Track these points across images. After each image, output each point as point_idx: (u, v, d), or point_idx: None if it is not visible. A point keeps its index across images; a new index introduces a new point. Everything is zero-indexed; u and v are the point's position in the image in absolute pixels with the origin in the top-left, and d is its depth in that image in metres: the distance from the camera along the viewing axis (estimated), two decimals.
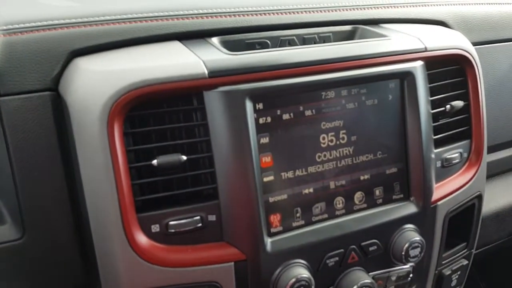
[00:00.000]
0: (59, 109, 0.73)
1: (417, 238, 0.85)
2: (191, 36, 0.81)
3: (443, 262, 0.99)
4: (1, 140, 0.72)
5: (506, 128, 1.17)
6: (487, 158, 1.01)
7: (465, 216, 1.00)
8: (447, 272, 1.00)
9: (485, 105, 0.97)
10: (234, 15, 0.84)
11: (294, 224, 0.79)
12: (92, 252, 0.74)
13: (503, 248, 1.38)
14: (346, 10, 0.93)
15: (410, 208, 0.87)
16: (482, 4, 1.15)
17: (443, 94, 0.92)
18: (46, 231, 0.74)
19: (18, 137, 0.71)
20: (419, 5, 1.04)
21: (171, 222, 0.72)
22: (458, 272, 1.02)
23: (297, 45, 0.87)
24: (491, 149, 1.14)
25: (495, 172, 1.19)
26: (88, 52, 0.75)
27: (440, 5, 1.07)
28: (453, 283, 1.02)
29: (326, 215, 0.82)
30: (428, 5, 1.05)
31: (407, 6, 1.02)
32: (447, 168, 0.93)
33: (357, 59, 0.79)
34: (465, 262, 1.03)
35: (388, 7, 0.99)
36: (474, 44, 0.98)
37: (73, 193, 0.75)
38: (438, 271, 0.98)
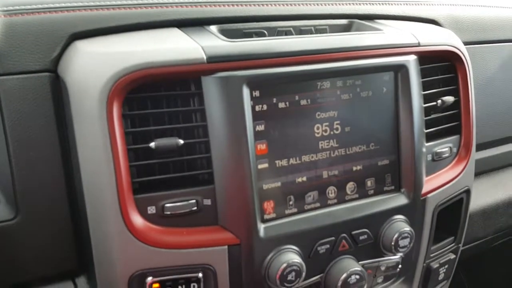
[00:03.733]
0: (57, 90, 0.74)
1: (407, 228, 0.87)
2: (190, 24, 0.82)
3: (431, 255, 1.01)
4: None
5: (494, 127, 1.20)
6: (475, 156, 1.04)
7: (453, 210, 1.02)
8: (435, 265, 1.02)
9: (475, 103, 1.00)
10: (232, 5, 0.85)
11: (287, 212, 0.81)
12: (87, 234, 0.74)
13: (489, 248, 1.41)
14: (343, 4, 0.95)
15: (400, 200, 0.89)
16: (473, 6, 1.18)
17: (435, 89, 0.94)
18: (40, 212, 0.75)
19: (15, 117, 0.71)
20: (413, 4, 1.06)
21: (167, 205, 0.72)
22: (446, 266, 1.04)
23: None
24: (479, 147, 1.16)
25: (482, 170, 1.22)
26: (88, 35, 0.76)
27: (433, 4, 1.09)
28: (441, 277, 1.04)
29: (318, 204, 0.83)
30: (421, 4, 1.07)
31: (401, 4, 1.04)
32: (437, 162, 0.96)
33: (352, 50, 0.81)
34: (453, 256, 1.05)
35: (383, 4, 1.01)
36: (465, 43, 1.00)
37: (69, 175, 0.75)
38: (426, 263, 1.00)
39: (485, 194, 1.22)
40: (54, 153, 0.74)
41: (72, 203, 0.76)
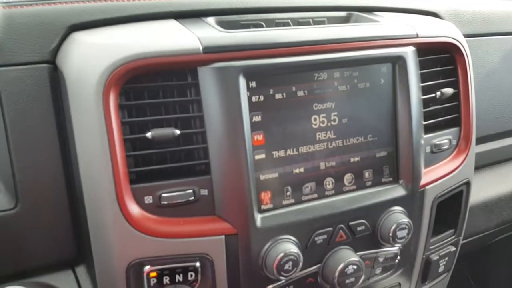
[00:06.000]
0: (55, 81, 0.75)
1: (405, 220, 0.86)
2: (188, 16, 0.83)
3: (431, 248, 1.01)
4: None
5: (494, 120, 1.20)
6: (476, 149, 1.04)
7: (453, 203, 1.02)
8: (434, 257, 1.02)
9: (475, 96, 0.99)
10: None
11: (284, 202, 0.81)
12: (85, 223, 0.75)
13: (492, 243, 1.40)
14: None
15: (398, 191, 0.89)
16: None
17: (434, 81, 0.94)
18: (39, 201, 0.76)
19: (14, 107, 0.72)
20: None
21: (164, 194, 0.73)
22: (446, 258, 1.04)
23: None
24: (480, 141, 1.16)
25: (484, 163, 1.22)
26: (86, 27, 0.76)
27: None
28: (441, 269, 1.04)
29: (315, 195, 0.83)
30: None
31: None
32: (436, 154, 0.95)
33: (350, 41, 0.81)
34: (453, 248, 1.05)
35: None
36: (465, 36, 1.00)
37: (67, 165, 0.76)
38: (426, 255, 1.00)
39: (487, 188, 1.22)
40: (53, 143, 0.75)
41: (70, 193, 0.77)
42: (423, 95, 0.91)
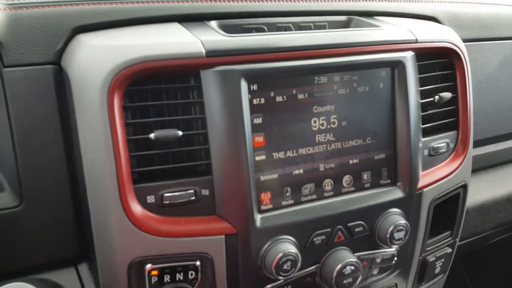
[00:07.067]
0: (60, 82, 0.76)
1: (402, 221, 0.88)
2: (191, 19, 0.84)
3: (428, 249, 1.02)
4: (3, 109, 0.74)
5: (492, 124, 1.21)
6: (474, 152, 1.05)
7: (450, 205, 1.04)
8: (431, 258, 1.03)
9: (472, 100, 1.01)
10: (233, 0, 0.87)
11: (284, 203, 0.82)
12: (88, 222, 0.76)
13: (489, 244, 1.42)
14: (342, 1, 0.97)
15: (396, 193, 0.90)
16: (473, 3, 1.19)
17: (432, 85, 0.96)
18: (43, 200, 0.77)
19: (19, 107, 0.74)
20: (413, 1, 1.07)
21: (166, 194, 0.74)
22: (442, 260, 1.05)
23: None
24: (478, 144, 1.18)
25: (481, 166, 1.23)
26: (91, 29, 0.78)
27: (433, 1, 1.10)
28: (437, 270, 1.06)
29: (314, 196, 0.85)
30: (421, 1, 1.09)
31: (401, 1, 1.06)
32: (434, 157, 0.97)
33: (350, 46, 0.82)
34: (449, 250, 1.07)
35: (382, 0, 1.02)
36: (464, 41, 1.01)
37: (71, 164, 0.77)
38: (423, 257, 1.02)
39: (484, 190, 1.23)
40: (57, 142, 0.76)
41: (74, 191, 0.78)
42: (422, 99, 0.92)
